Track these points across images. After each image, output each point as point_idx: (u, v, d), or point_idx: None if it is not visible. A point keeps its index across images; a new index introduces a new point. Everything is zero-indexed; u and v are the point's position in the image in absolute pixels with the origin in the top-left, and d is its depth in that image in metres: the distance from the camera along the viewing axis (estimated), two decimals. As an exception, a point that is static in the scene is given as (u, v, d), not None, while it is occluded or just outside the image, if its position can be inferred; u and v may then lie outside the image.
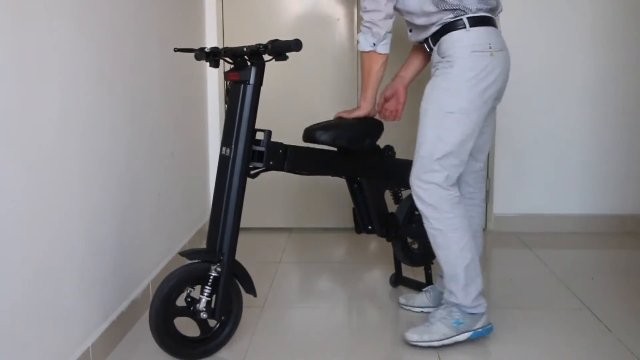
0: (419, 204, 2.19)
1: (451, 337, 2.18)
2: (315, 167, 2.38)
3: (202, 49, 2.21)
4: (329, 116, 2.61)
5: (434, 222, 2.16)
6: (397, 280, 2.74)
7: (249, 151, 2.11)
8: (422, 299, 2.50)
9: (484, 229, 3.64)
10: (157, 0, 2.72)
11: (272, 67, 3.44)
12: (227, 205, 2.09)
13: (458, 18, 2.12)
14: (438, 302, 2.40)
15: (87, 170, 2.02)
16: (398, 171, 2.51)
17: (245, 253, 3.48)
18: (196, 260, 2.08)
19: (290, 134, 3.62)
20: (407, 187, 2.29)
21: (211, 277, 2.06)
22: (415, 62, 2.46)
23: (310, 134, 2.36)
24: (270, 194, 3.68)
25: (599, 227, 3.61)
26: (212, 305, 2.08)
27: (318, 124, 2.42)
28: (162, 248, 2.79)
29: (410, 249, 2.66)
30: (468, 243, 2.18)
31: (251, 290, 2.19)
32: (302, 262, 3.22)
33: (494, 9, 2.21)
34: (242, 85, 2.09)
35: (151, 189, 2.64)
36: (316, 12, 3.64)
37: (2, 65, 1.55)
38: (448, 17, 2.13)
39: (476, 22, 2.13)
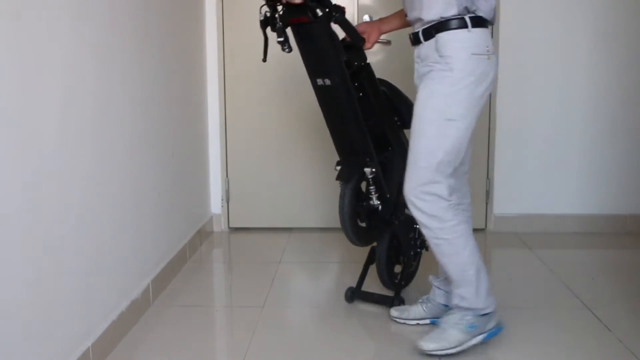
0: (418, 215, 2.09)
1: (466, 342, 2.13)
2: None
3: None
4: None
5: (438, 232, 2.08)
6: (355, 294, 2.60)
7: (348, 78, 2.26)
8: (417, 310, 2.37)
9: (484, 229, 3.65)
10: (157, 1, 2.72)
11: (272, 67, 3.44)
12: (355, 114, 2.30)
13: (460, 16, 2.02)
14: (435, 314, 2.32)
15: (87, 170, 2.02)
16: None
17: (246, 253, 3.50)
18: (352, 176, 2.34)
19: (290, 134, 3.64)
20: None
21: (370, 178, 2.37)
22: (397, 22, 2.38)
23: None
24: (270, 194, 3.68)
25: (599, 227, 3.61)
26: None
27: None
28: (162, 248, 2.79)
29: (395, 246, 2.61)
30: (474, 247, 2.13)
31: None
32: (302, 262, 3.22)
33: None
34: (312, 26, 2.15)
35: (151, 189, 2.64)
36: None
37: (3, 66, 1.55)
38: (451, 12, 2.02)
39: (477, 22, 2.04)
